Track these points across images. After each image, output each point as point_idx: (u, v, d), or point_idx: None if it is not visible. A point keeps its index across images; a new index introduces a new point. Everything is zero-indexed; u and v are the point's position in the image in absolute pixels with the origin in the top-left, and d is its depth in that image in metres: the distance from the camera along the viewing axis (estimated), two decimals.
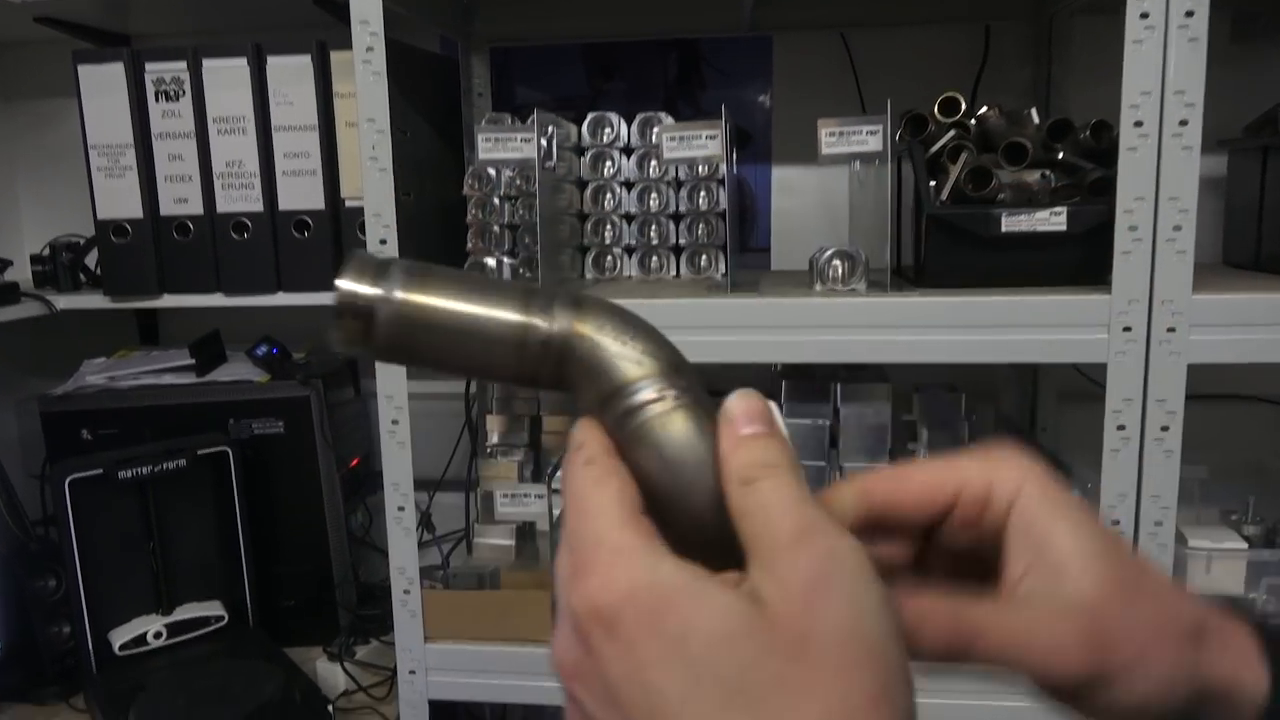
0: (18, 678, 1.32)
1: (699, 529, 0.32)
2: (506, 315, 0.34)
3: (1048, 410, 1.42)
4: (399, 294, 0.34)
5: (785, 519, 0.30)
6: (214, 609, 1.35)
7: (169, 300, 1.38)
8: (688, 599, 0.29)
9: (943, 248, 1.02)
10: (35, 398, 1.42)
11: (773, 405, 0.34)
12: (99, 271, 1.45)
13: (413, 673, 1.17)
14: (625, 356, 0.33)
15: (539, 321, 0.34)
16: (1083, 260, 1.00)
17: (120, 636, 1.28)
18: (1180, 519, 1.06)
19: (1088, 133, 1.06)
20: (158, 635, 1.31)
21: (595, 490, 0.32)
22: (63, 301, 1.41)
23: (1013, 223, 0.99)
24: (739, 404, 0.33)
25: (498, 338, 0.34)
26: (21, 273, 1.50)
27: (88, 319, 1.47)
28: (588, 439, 0.34)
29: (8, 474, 1.43)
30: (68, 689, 1.34)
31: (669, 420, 0.32)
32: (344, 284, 0.34)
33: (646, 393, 0.33)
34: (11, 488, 1.29)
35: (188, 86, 1.31)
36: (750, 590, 0.30)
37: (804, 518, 0.30)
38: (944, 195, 1.02)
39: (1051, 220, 0.99)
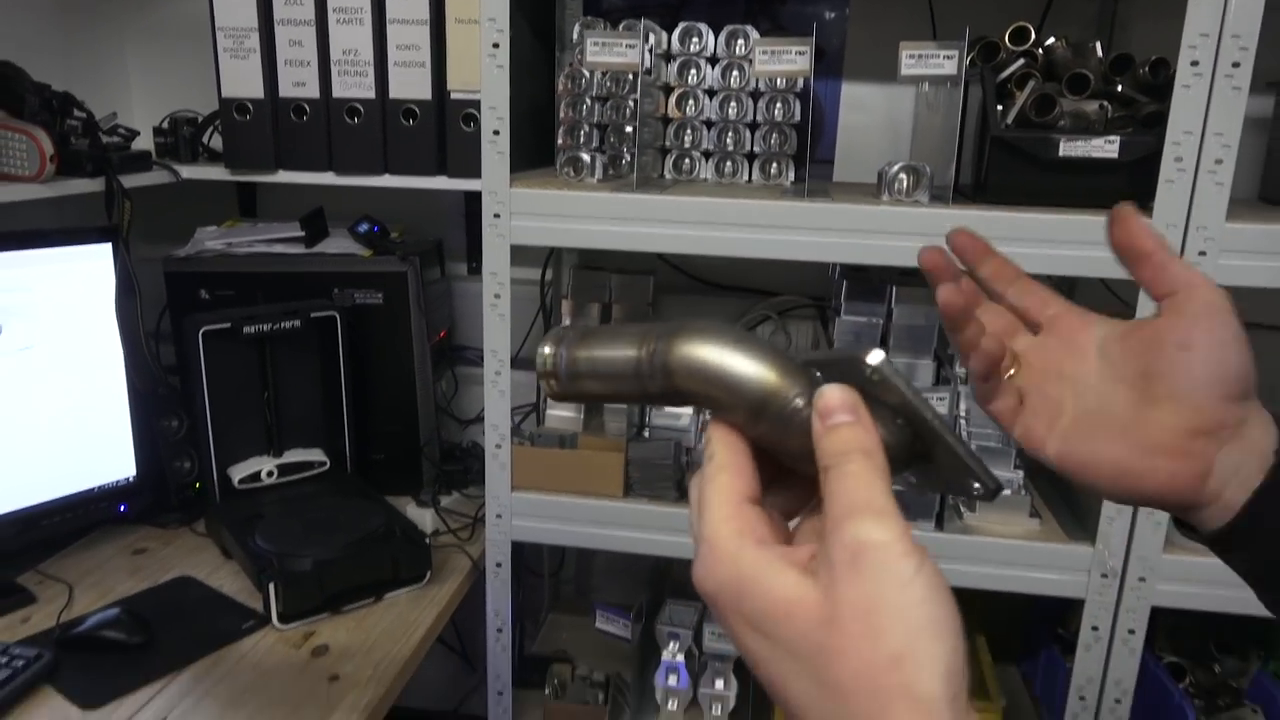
0: (145, 504, 1.51)
1: None
2: (625, 353, 0.42)
3: None
4: (565, 352, 0.44)
5: (839, 500, 0.36)
6: (317, 455, 1.52)
7: (283, 176, 1.51)
8: (759, 585, 0.36)
9: (1003, 167, 1.13)
10: (160, 258, 1.57)
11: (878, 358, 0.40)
12: (211, 145, 1.59)
13: (499, 516, 1.34)
14: (748, 373, 0.40)
15: (645, 353, 0.41)
16: (1129, 186, 1.11)
17: (238, 472, 1.46)
18: None
19: (1146, 69, 1.15)
20: (270, 474, 1.48)
21: (708, 487, 0.40)
22: (186, 172, 1.55)
23: (1070, 148, 1.10)
24: (826, 397, 0.39)
25: (621, 373, 0.42)
26: (141, 143, 1.63)
27: (193, 190, 1.60)
28: (712, 438, 0.41)
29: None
30: (188, 516, 1.52)
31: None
32: (542, 349, 0.45)
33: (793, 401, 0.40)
34: (145, 339, 1.45)
35: None
36: (813, 567, 0.36)
37: (853, 501, 0.36)
38: (1009, 119, 1.13)
39: (1105, 148, 1.09)
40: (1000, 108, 1.15)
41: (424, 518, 1.48)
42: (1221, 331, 0.49)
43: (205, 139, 1.64)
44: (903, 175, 1.20)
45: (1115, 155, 1.09)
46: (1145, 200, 1.10)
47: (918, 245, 1.14)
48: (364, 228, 1.58)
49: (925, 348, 1.30)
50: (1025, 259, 1.12)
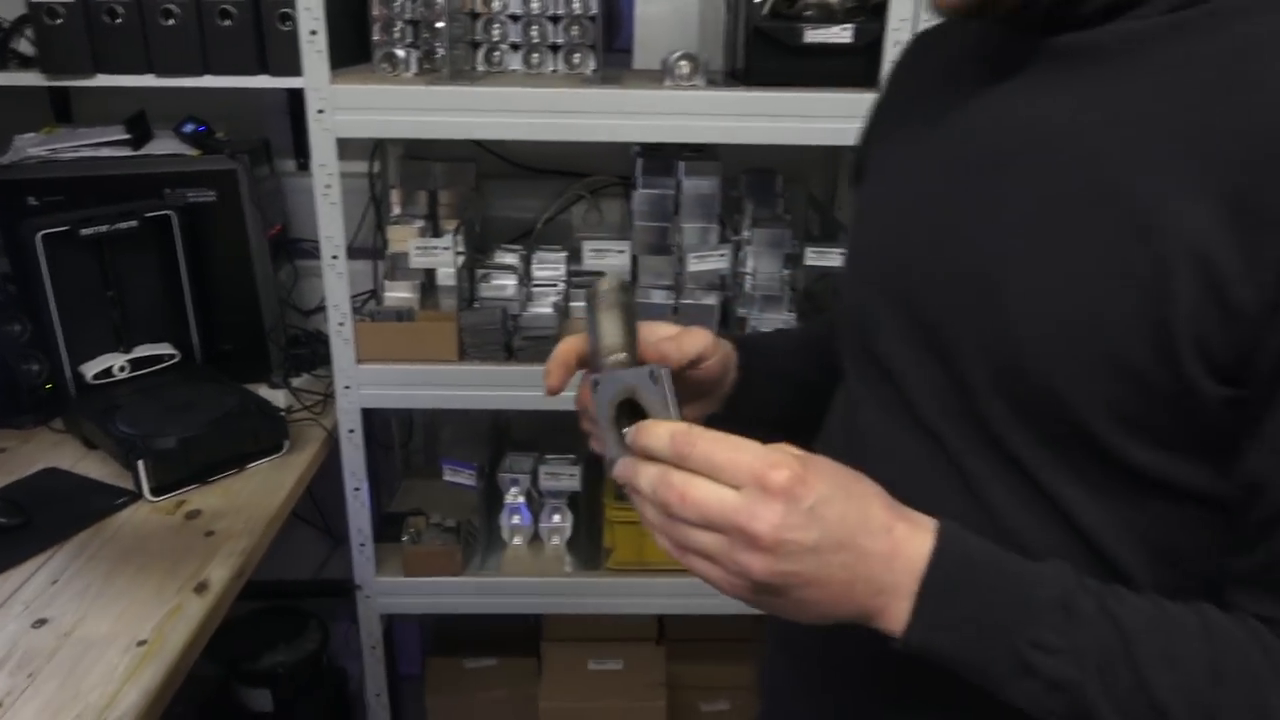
0: None
1: None
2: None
3: (844, 193, 1.79)
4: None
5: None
6: (166, 349, 1.61)
7: (102, 80, 1.55)
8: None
9: (761, 53, 1.32)
10: None
11: None
12: (19, 51, 1.60)
13: (347, 387, 1.49)
14: None
15: None
16: (864, 66, 1.33)
17: (91, 369, 1.54)
18: None
19: None
20: (122, 369, 1.56)
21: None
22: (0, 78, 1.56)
23: (813, 35, 1.31)
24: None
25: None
26: None
27: (1, 97, 1.61)
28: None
29: None
30: (43, 416, 1.59)
31: None
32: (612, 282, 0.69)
33: None
34: None
35: None
36: None
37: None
38: (765, 10, 1.32)
39: (841, 34, 1.31)
40: (759, 0, 1.34)
41: (277, 397, 1.61)
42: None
43: (13, 45, 1.64)
44: (682, 62, 1.38)
45: (850, 40, 1.31)
46: (876, 78, 1.33)
47: (697, 124, 1.34)
48: (189, 128, 1.64)
49: (711, 214, 1.51)
50: (782, 132, 1.34)
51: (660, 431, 0.56)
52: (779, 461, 0.54)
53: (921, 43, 0.78)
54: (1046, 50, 0.61)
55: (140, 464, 1.34)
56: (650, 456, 0.57)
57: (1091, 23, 0.59)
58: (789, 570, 0.54)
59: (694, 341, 0.73)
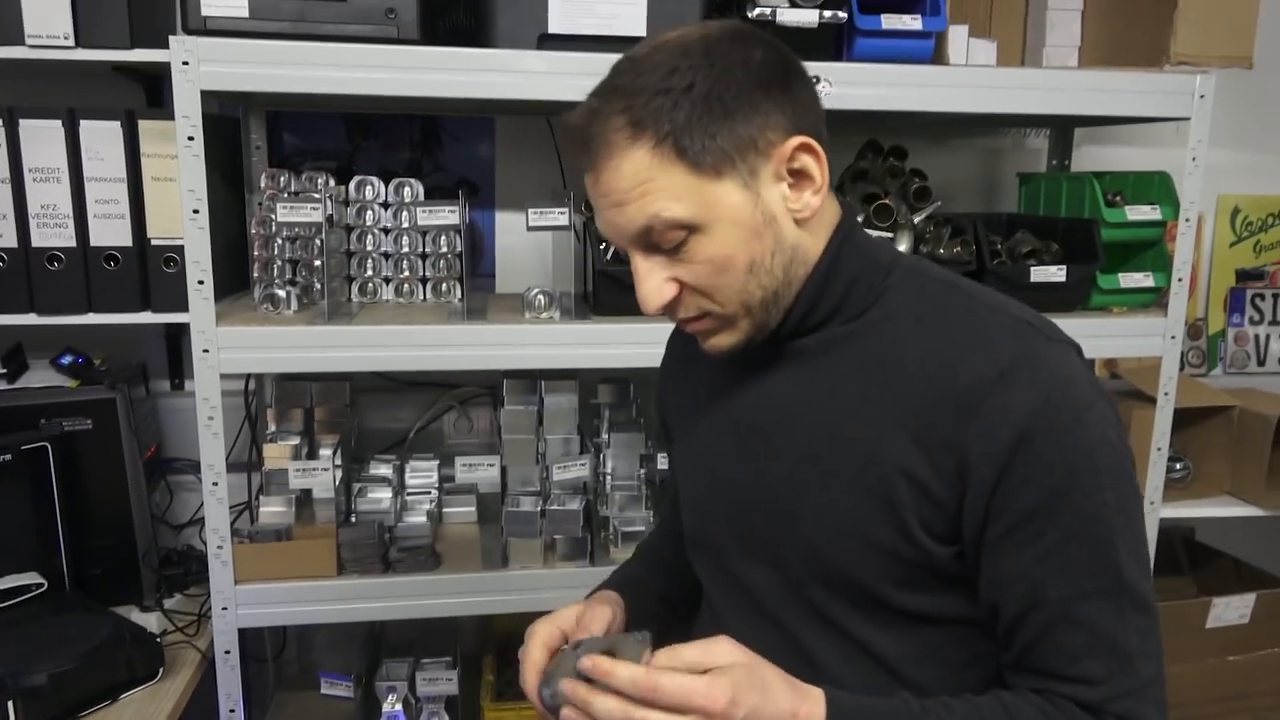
0: None
1: None
2: None
3: None
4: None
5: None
6: (33, 578, 1.61)
7: None
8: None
9: (607, 290, 1.53)
10: None
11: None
12: None
13: (225, 608, 1.53)
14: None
15: None
16: None
17: None
18: None
19: None
20: None
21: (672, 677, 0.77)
22: None
23: None
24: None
25: None
26: None
27: None
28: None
29: None
30: None
31: None
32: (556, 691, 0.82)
33: None
34: None
35: (3, 140, 1.55)
36: None
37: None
38: (609, 255, 1.53)
39: None
40: (603, 246, 1.55)
41: (150, 621, 1.62)
42: None
43: None
44: (540, 296, 1.56)
45: None
46: None
47: (553, 353, 1.51)
48: (67, 360, 1.70)
49: (571, 426, 1.67)
50: (626, 357, 1.53)
51: (624, 672, 0.76)
52: (717, 695, 0.74)
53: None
54: (784, 351, 0.91)
55: (10, 705, 1.34)
56: (613, 687, 0.76)
57: (808, 333, 0.90)
58: None
59: (601, 620, 0.97)
